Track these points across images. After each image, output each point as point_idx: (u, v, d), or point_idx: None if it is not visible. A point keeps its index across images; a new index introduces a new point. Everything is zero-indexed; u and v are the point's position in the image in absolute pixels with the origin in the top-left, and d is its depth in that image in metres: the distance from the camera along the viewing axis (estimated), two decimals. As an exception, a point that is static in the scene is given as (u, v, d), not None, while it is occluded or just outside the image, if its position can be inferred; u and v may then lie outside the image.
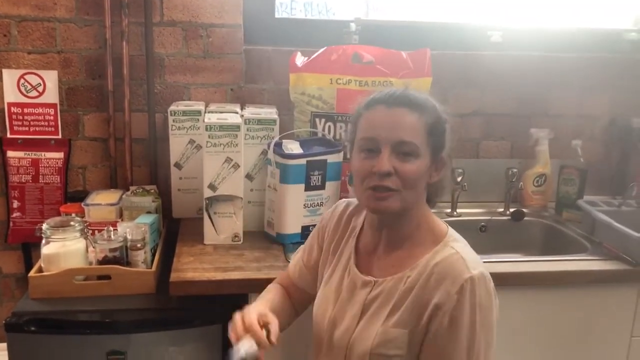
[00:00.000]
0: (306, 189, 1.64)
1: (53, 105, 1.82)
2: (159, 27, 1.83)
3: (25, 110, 1.81)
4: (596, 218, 1.75)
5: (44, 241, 1.48)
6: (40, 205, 1.85)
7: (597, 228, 1.77)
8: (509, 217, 1.98)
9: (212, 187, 1.60)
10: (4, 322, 1.38)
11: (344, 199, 1.31)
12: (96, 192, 1.77)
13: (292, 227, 1.65)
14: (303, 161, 1.62)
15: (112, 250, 1.49)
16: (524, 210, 1.98)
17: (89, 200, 1.67)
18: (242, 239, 1.66)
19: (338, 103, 1.74)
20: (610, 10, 2.12)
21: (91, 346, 1.40)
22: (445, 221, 1.16)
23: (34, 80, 1.80)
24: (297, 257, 1.35)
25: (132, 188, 1.76)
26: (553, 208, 2.02)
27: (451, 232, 1.13)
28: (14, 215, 1.84)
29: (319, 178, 1.65)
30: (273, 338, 1.07)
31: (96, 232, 1.56)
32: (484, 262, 1.09)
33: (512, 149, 2.12)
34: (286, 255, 1.57)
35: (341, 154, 1.69)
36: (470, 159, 2.07)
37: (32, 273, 1.47)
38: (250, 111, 1.76)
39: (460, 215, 1.97)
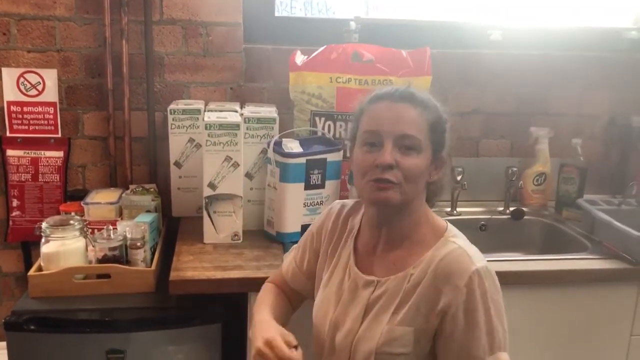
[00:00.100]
0: (306, 188, 1.64)
1: (52, 104, 1.82)
2: (158, 26, 1.83)
3: (25, 109, 1.81)
4: (596, 217, 1.75)
5: (43, 240, 1.48)
6: (40, 204, 1.84)
7: (597, 227, 1.76)
8: (509, 216, 1.97)
9: (211, 185, 1.60)
10: (3, 321, 1.38)
11: (337, 201, 1.31)
12: (96, 190, 1.77)
13: (291, 225, 1.64)
14: (303, 160, 1.62)
15: (111, 249, 1.49)
16: (523, 209, 1.98)
17: (88, 199, 1.67)
18: (241, 238, 1.65)
19: (338, 102, 1.74)
20: (610, 9, 2.12)
21: (91, 345, 1.40)
22: (445, 220, 1.16)
23: (33, 78, 1.80)
24: (289, 259, 1.34)
25: (131, 187, 1.76)
26: (553, 207, 2.02)
27: (450, 227, 1.14)
28: (14, 214, 1.84)
29: (319, 177, 1.65)
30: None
31: (96, 230, 1.55)
32: (484, 260, 1.09)
33: (512, 147, 2.12)
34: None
35: (341, 152, 1.69)
36: (470, 158, 2.07)
37: (31, 272, 1.47)
38: (250, 110, 1.75)
39: (460, 214, 1.97)
